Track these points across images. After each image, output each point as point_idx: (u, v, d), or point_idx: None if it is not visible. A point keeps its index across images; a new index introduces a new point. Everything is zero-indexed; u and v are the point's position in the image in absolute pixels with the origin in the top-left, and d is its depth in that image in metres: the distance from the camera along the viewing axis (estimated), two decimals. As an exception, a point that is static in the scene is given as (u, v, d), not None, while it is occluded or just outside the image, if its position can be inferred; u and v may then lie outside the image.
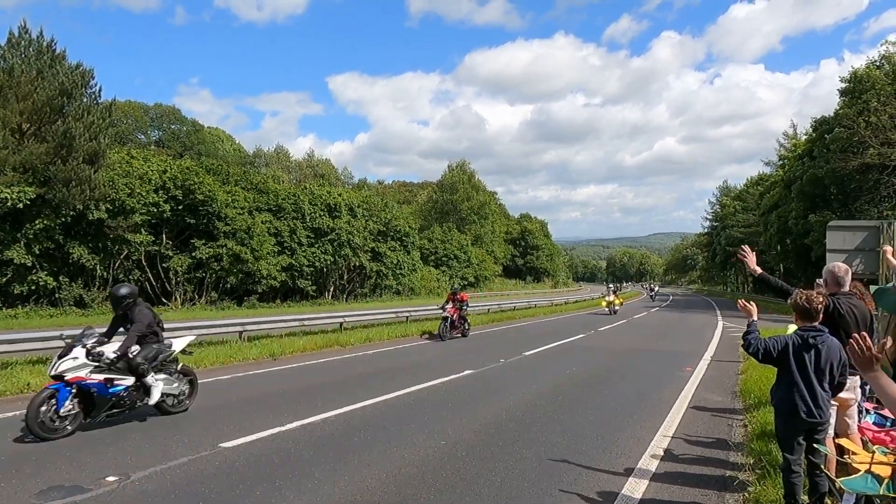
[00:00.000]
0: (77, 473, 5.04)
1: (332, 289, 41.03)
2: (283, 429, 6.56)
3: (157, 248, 29.18)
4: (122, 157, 28.88)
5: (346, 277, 42.04)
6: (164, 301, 30.05)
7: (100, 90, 26.96)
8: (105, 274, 27.29)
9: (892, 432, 4.53)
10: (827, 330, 4.09)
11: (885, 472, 3.60)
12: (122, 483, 4.80)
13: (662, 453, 5.86)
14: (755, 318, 4.25)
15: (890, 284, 2.31)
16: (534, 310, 31.75)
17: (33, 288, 24.65)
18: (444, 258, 58.79)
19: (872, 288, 2.42)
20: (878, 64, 34.01)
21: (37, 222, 23.79)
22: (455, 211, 69.16)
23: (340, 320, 18.47)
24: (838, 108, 35.83)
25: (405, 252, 47.24)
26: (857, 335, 2.43)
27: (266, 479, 4.94)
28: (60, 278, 25.45)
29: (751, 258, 5.07)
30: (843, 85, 35.64)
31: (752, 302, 4.37)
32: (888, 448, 4.20)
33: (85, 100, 26.20)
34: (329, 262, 38.78)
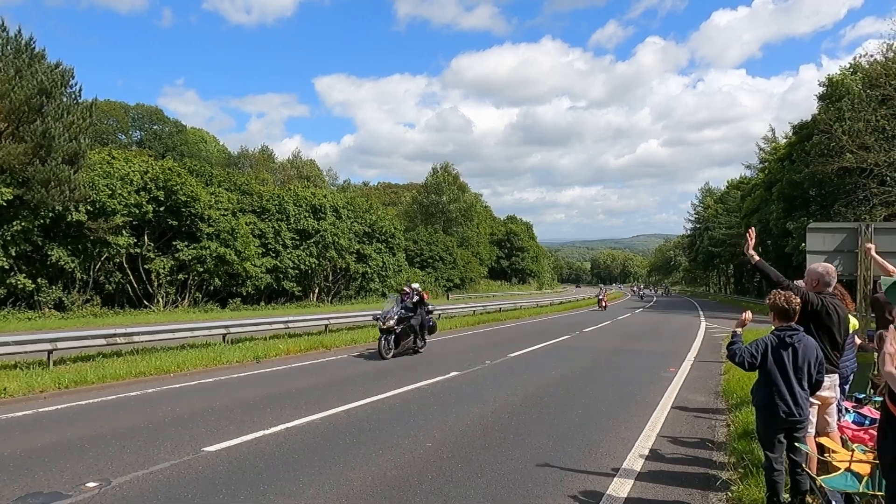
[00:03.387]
0: (56, 479, 4.94)
1: (317, 290, 40.81)
2: (266, 432, 6.49)
3: (138, 249, 28.78)
4: (102, 157, 28.46)
5: (331, 279, 41.85)
6: (146, 303, 29.65)
7: (80, 90, 26.54)
8: (85, 276, 26.86)
9: (870, 430, 4.61)
10: (802, 329, 4.16)
11: (864, 469, 3.66)
12: (103, 489, 4.72)
13: (647, 453, 5.90)
14: (739, 329, 4.31)
15: None
16: (519, 311, 31.84)
17: (11, 291, 24.20)
18: (429, 260, 58.76)
19: (884, 280, 2.42)
20: (852, 70, 34.75)
21: (14, 224, 23.35)
22: (442, 213, 69.20)
23: (325, 322, 18.36)
24: (816, 113, 36.53)
25: (390, 254, 47.16)
26: None
27: (249, 483, 4.88)
28: (39, 281, 24.99)
29: (751, 243, 5.02)
30: (821, 90, 36.40)
31: (748, 312, 4.44)
32: (867, 446, 4.28)
33: (65, 99, 25.78)
34: (314, 264, 38.56)
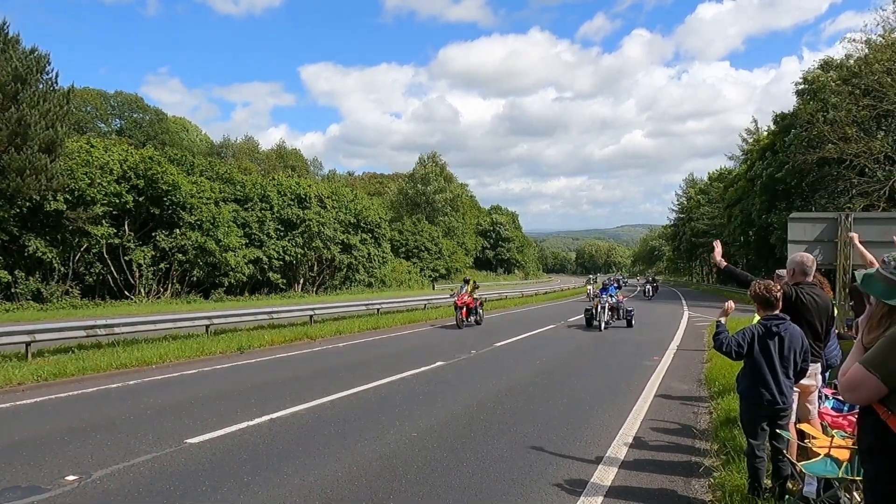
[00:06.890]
0: (35, 473, 4.85)
1: (301, 281, 40.56)
2: (251, 423, 6.44)
3: (118, 240, 28.33)
4: (81, 145, 27.90)
5: (316, 270, 41.61)
6: (128, 294, 29.25)
7: (56, 76, 25.89)
8: (64, 268, 26.39)
9: (849, 417, 4.68)
10: (789, 318, 4.20)
11: (843, 455, 3.72)
12: (83, 482, 4.64)
13: (631, 441, 5.95)
14: (723, 319, 4.33)
15: (874, 269, 2.35)
16: (504, 301, 31.95)
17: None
18: (414, 250, 58.70)
19: (858, 274, 2.45)
20: (825, 66, 35.25)
21: (-11, 213, 22.85)
22: (428, 203, 69.04)
23: (310, 313, 18.24)
24: (798, 105, 36.99)
25: (376, 244, 46.98)
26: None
27: (233, 475, 4.84)
28: (16, 272, 24.52)
29: (717, 252, 5.32)
30: (801, 86, 36.90)
31: (731, 302, 4.50)
32: (846, 432, 4.35)
33: (41, 86, 25.15)
34: (299, 255, 38.30)
